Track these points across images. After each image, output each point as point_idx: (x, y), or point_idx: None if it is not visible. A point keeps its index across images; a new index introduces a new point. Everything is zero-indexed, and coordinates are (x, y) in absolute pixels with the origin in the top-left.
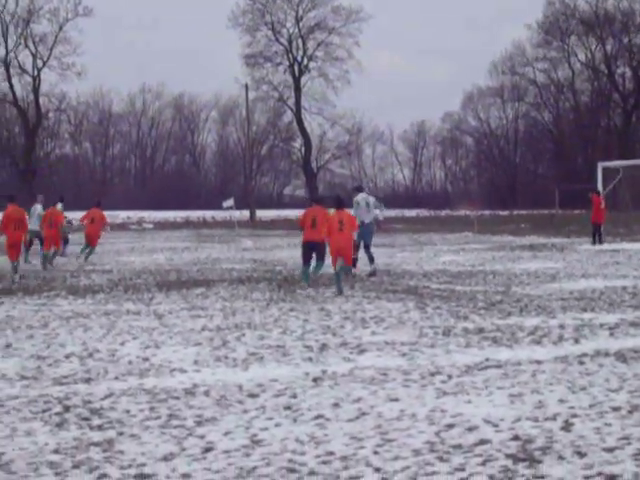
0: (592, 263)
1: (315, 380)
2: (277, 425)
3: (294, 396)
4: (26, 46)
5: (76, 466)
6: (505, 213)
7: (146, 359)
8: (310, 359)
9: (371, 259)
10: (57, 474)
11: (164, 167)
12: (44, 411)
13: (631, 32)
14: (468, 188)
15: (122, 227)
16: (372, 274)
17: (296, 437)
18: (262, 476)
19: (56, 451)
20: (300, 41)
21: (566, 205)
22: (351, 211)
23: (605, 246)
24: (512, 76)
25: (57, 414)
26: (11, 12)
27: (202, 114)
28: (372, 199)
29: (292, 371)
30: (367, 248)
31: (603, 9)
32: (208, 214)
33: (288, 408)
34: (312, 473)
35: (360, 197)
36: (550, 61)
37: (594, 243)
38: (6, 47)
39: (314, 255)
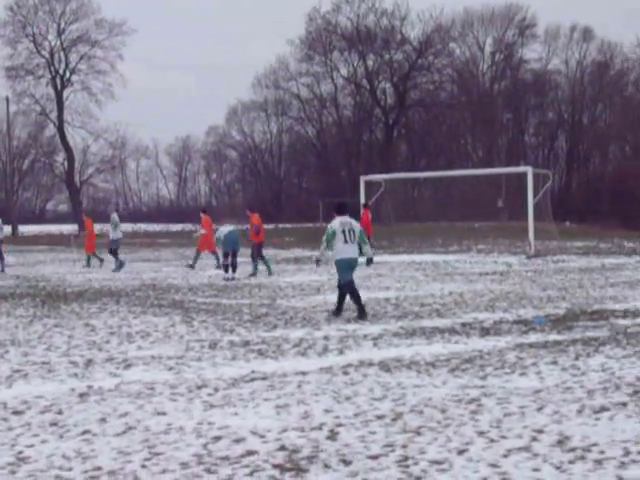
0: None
1: (81, 396)
2: (43, 442)
3: (60, 412)
4: None
5: None
6: (271, 226)
7: None
8: (76, 375)
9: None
10: None
11: None
12: None
13: (392, 49)
14: (233, 202)
15: None
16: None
17: (63, 453)
18: None
19: None
20: (62, 54)
21: (330, 218)
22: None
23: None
24: (276, 90)
25: None
26: None
27: None
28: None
29: (58, 387)
30: (234, 256)
31: (364, 26)
32: None
33: (54, 424)
34: None
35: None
36: (313, 76)
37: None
38: None
39: None
